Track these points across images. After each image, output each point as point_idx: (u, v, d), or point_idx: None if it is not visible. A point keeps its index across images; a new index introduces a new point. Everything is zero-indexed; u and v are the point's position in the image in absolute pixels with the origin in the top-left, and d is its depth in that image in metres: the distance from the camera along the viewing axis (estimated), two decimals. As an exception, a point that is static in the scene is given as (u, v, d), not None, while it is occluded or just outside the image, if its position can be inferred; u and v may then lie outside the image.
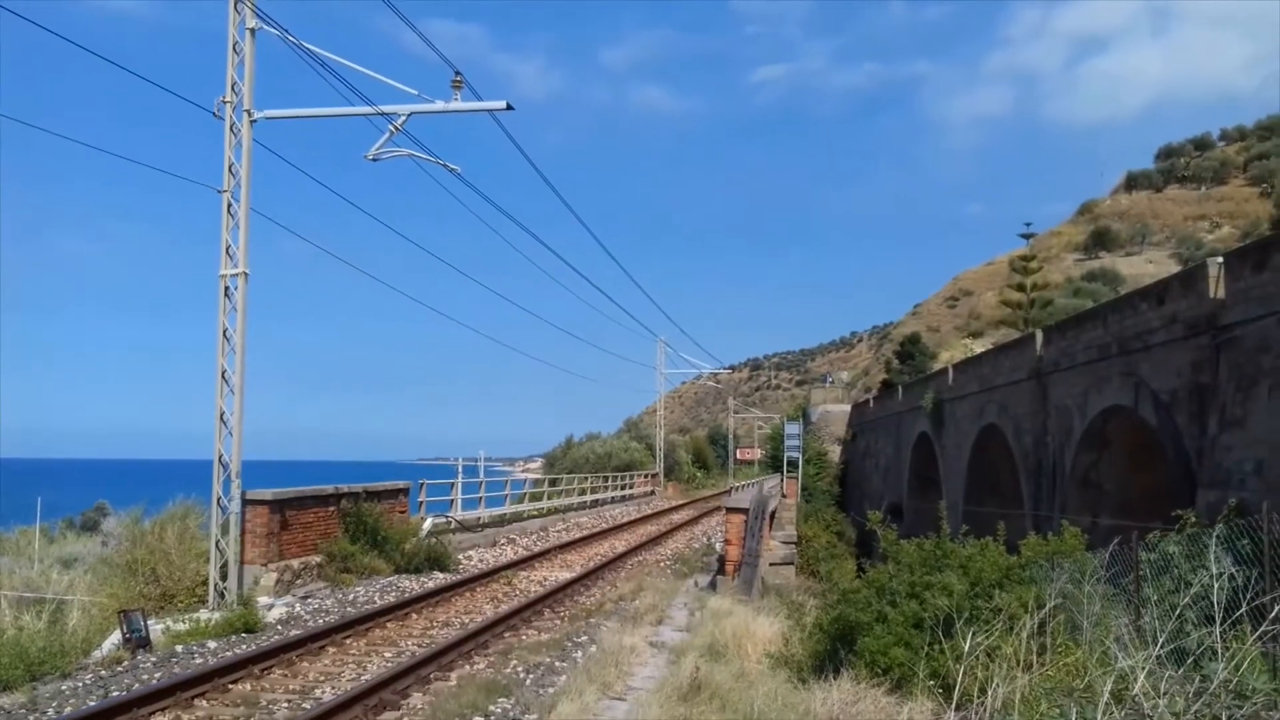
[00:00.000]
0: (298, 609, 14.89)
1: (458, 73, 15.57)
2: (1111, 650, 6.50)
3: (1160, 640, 5.99)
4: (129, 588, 14.46)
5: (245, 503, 15.50)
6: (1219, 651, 5.81)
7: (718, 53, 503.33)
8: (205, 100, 15.05)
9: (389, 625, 13.98)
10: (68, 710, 9.13)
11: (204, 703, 9.62)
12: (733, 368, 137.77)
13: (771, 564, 20.23)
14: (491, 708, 9.09)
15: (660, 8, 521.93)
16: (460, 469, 28.78)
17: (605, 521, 34.61)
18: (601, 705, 8.65)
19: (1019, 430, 23.98)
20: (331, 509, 18.45)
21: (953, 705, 6.66)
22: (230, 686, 10.17)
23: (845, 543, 34.88)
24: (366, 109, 15.68)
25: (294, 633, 12.90)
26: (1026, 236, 66.67)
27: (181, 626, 12.74)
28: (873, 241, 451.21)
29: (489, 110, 16.02)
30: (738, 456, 77.38)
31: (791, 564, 22.45)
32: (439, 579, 18.55)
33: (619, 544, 27.29)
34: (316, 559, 17.51)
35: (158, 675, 10.55)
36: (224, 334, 14.88)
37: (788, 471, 41.67)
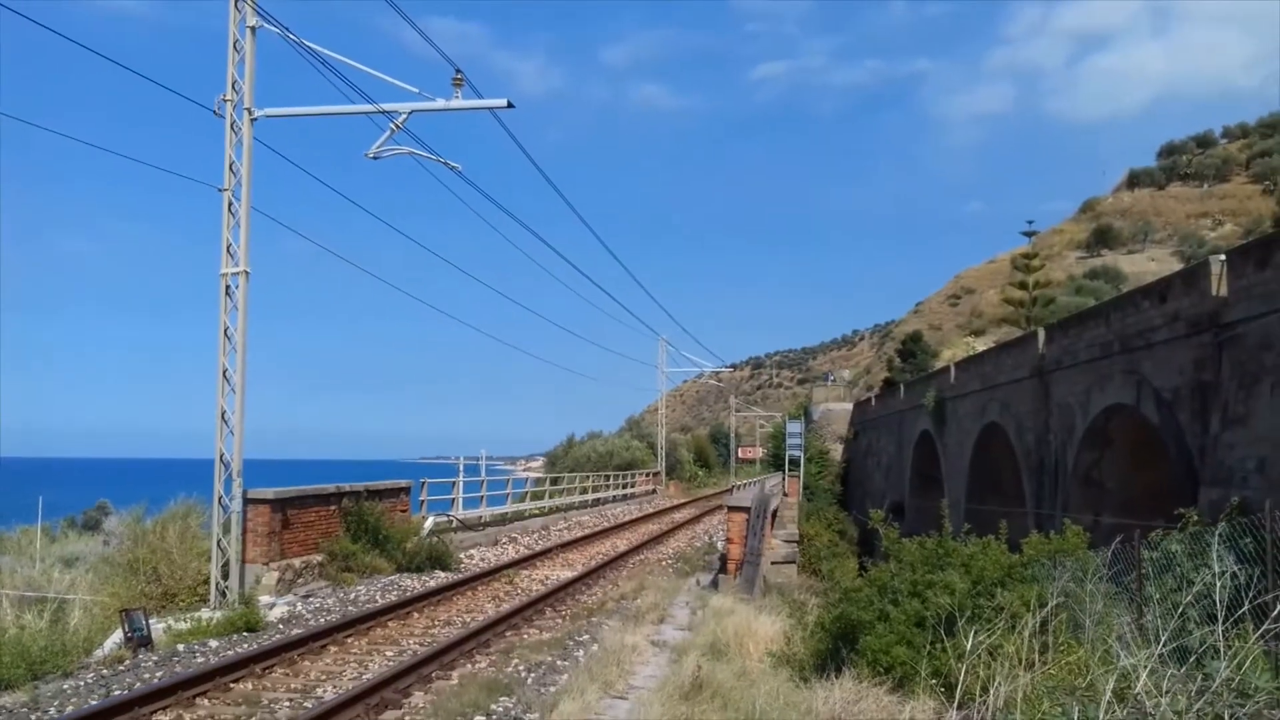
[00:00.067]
0: (299, 608, 14.89)
1: (458, 71, 15.57)
2: (1114, 649, 6.48)
3: (1162, 639, 5.97)
4: (130, 587, 14.45)
5: (247, 502, 15.49)
6: (1221, 650, 5.80)
7: (718, 51, 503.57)
8: (206, 99, 15.08)
9: (390, 624, 13.98)
10: (69, 709, 9.14)
11: (206, 702, 9.62)
12: (734, 366, 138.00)
13: (773, 563, 20.21)
14: (493, 706, 9.09)
15: (660, 6, 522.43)
16: (461, 468, 28.78)
17: (607, 520, 34.59)
18: (603, 704, 8.64)
19: (1021, 428, 23.96)
20: (333, 508, 18.44)
21: (955, 704, 6.65)
22: (232, 685, 10.18)
23: (847, 541, 34.87)
24: (367, 107, 15.69)
25: (295, 632, 12.91)
26: (1028, 234, 66.57)
27: (183, 625, 12.76)
28: (874, 239, 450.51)
29: (490, 108, 16.02)
30: (739, 455, 77.27)
31: (793, 563, 22.43)
32: (440, 578, 18.55)
33: (620, 543, 27.28)
34: (318, 558, 17.51)
35: (159, 674, 10.56)
36: (225, 333, 14.89)
37: (789, 470, 41.65)
